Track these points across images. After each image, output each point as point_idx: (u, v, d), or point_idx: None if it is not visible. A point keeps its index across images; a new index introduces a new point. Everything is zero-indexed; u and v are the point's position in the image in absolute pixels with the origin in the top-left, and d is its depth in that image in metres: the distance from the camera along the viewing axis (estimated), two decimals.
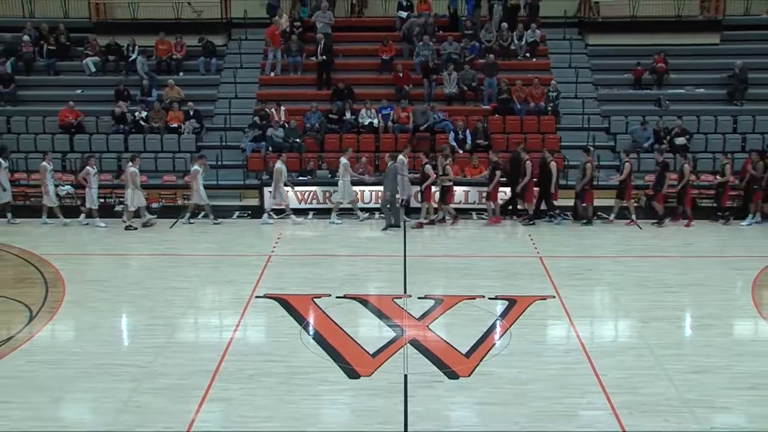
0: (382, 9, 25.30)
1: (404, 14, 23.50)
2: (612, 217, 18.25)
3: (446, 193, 18.09)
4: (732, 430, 9.19)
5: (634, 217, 18.10)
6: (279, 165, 18.07)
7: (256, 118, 20.77)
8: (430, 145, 20.16)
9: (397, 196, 17.92)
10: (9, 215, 18.17)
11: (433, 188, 18.05)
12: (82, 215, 18.11)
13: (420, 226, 17.85)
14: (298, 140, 20.35)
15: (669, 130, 20.57)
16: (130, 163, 17.78)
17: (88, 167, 17.94)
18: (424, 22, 23.11)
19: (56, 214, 18.05)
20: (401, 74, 21.92)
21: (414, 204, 18.66)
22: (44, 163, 18.00)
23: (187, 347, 11.60)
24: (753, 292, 13.75)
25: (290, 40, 22.84)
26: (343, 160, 18.20)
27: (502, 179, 18.05)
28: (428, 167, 17.75)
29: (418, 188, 18.19)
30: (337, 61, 22.38)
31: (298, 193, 18.98)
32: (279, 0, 24.01)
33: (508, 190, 18.48)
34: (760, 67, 23.02)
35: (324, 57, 22.37)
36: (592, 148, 18.67)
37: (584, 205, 18.10)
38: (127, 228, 17.69)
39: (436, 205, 18.20)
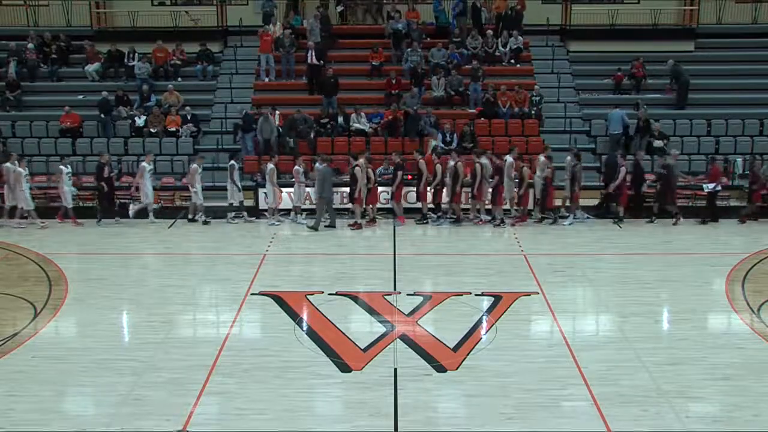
0: (372, 17, 25.53)
1: (399, 26, 23.56)
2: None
3: (368, 194, 18.18)
4: (706, 418, 9.43)
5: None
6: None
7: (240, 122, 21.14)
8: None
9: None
10: (232, 214, 18.60)
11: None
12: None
13: (355, 226, 17.99)
14: (291, 144, 20.70)
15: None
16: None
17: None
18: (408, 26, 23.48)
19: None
20: (394, 81, 22.23)
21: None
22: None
23: (185, 343, 11.80)
24: (726, 287, 14.04)
25: (283, 47, 23.10)
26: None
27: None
28: (357, 169, 17.83)
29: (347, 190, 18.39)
30: (328, 67, 22.58)
31: (292, 194, 19.21)
32: (273, 8, 24.27)
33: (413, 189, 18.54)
34: (731, 73, 23.75)
35: (321, 62, 22.58)
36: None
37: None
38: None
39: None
